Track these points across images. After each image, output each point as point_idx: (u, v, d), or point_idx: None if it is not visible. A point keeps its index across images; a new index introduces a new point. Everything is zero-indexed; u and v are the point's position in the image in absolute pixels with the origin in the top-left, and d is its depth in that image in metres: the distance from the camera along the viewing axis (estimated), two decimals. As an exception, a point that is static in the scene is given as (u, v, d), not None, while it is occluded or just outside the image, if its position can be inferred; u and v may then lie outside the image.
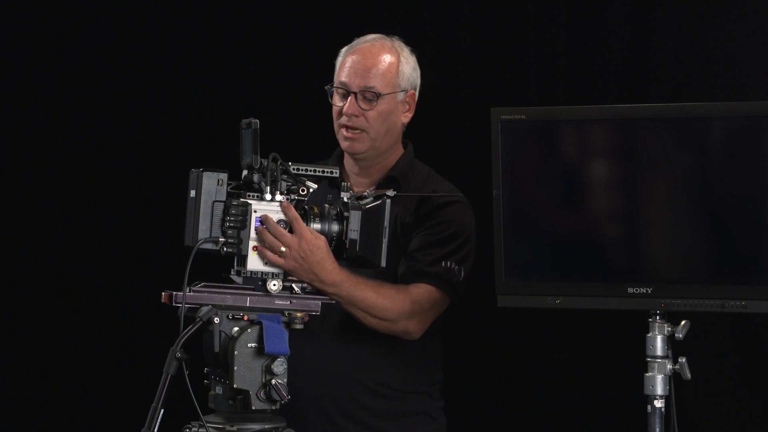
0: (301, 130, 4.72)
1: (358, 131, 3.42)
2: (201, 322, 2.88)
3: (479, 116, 3.39)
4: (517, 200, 3.15)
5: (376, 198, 3.11)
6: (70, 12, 4.89)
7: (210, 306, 2.91)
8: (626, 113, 3.13)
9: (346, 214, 3.06)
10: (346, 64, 3.45)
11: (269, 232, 2.99)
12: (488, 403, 4.55)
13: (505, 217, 3.14)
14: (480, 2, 4.54)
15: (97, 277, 4.86)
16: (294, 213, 3.01)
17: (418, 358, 3.45)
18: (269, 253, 3.00)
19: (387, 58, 3.45)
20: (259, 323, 2.93)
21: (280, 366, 2.91)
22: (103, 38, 4.89)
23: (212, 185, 2.92)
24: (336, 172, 3.10)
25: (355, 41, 3.50)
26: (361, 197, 3.10)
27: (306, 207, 3.05)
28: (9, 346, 4.89)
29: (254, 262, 2.97)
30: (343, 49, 3.50)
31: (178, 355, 2.82)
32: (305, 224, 3.03)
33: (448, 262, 3.37)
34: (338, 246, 3.07)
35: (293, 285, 3.05)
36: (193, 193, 2.93)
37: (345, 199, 3.08)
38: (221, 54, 4.84)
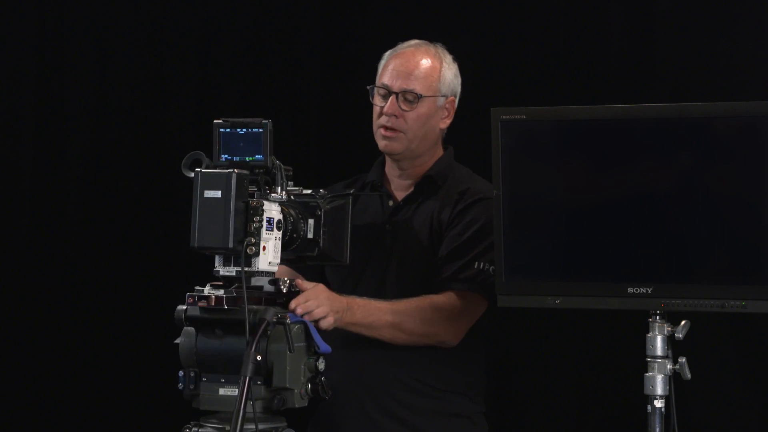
0: (300, 131, 4.72)
1: (395, 131, 3.46)
2: (267, 323, 2.88)
3: (479, 116, 3.39)
4: (517, 200, 3.15)
5: (336, 197, 3.16)
6: (70, 12, 4.89)
7: (274, 308, 2.92)
8: (626, 113, 3.13)
9: (318, 213, 3.09)
10: (389, 66, 3.50)
11: (312, 306, 3.04)
12: (488, 403, 4.54)
13: (505, 217, 3.14)
14: (480, 3, 4.54)
15: (96, 277, 4.86)
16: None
17: (456, 357, 3.45)
18: (328, 323, 3.08)
19: (429, 63, 3.50)
20: (303, 323, 2.96)
21: (322, 363, 2.96)
22: (103, 38, 4.88)
23: (241, 185, 2.91)
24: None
25: (399, 45, 3.56)
26: (322, 197, 3.13)
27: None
28: (8, 348, 4.88)
29: (264, 262, 2.97)
30: (387, 53, 3.56)
31: (258, 358, 2.83)
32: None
33: (481, 263, 3.38)
34: (304, 244, 3.09)
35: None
36: (218, 193, 2.89)
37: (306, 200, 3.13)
38: (222, 54, 4.83)
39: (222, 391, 2.96)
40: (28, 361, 4.88)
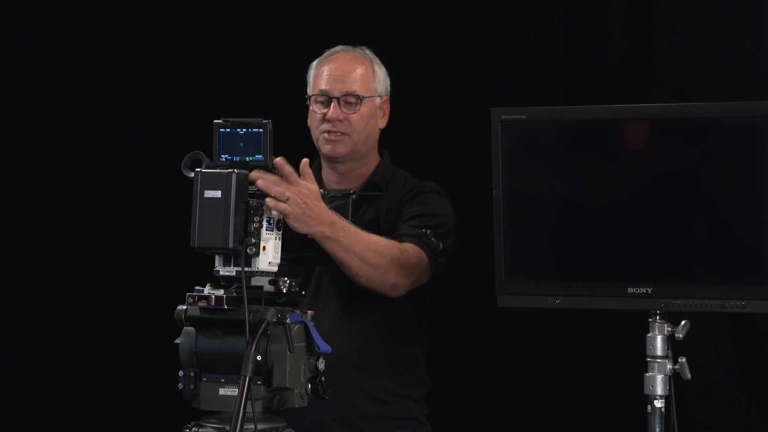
0: (300, 131, 4.71)
1: (340, 134, 3.50)
2: (267, 323, 2.87)
3: (479, 116, 3.40)
4: (517, 200, 3.15)
5: (336, 197, 3.18)
6: (70, 12, 4.89)
7: (274, 308, 2.91)
8: (626, 113, 3.14)
9: None
10: (323, 73, 3.53)
11: (271, 184, 2.97)
12: (488, 403, 4.55)
13: (505, 217, 3.14)
14: (480, 2, 4.54)
15: (96, 277, 4.86)
16: (289, 167, 3.00)
17: (409, 359, 3.51)
18: (275, 203, 2.97)
19: (362, 64, 3.55)
20: (303, 323, 2.95)
21: (322, 363, 2.95)
22: (103, 38, 4.89)
23: (241, 185, 2.91)
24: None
25: (326, 53, 3.59)
26: (322, 197, 3.13)
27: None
28: (9, 348, 4.89)
29: (264, 262, 2.97)
30: (314, 62, 3.60)
31: (258, 358, 2.83)
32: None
33: (427, 230, 3.42)
34: (303, 245, 3.09)
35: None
36: (218, 193, 2.89)
37: None
38: (222, 54, 4.83)
39: (222, 391, 2.95)
40: (29, 361, 4.88)
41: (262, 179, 2.94)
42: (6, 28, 4.91)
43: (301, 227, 3.04)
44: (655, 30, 4.33)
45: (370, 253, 3.27)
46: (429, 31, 4.57)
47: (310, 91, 3.57)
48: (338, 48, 3.59)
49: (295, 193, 3.00)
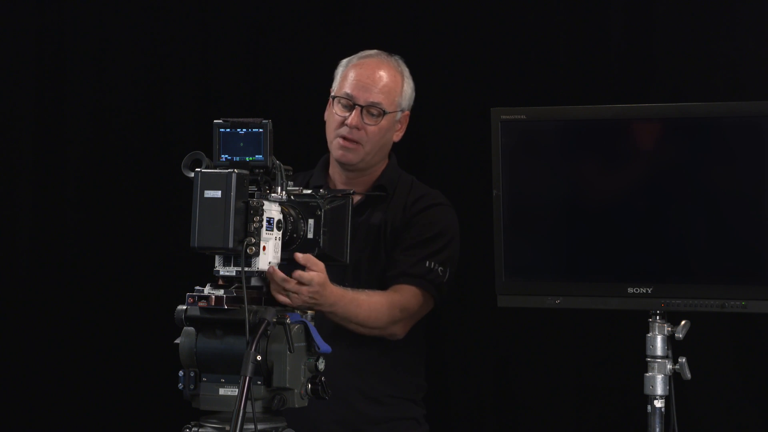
0: (300, 131, 4.72)
1: (354, 143, 3.47)
2: (267, 323, 2.88)
3: (479, 116, 3.40)
4: (517, 200, 3.15)
5: (336, 197, 3.17)
6: (70, 11, 4.89)
7: (274, 308, 2.91)
8: (626, 113, 3.14)
9: (318, 213, 3.10)
10: (351, 76, 3.50)
11: (277, 283, 3.00)
12: (488, 403, 4.54)
13: (505, 217, 3.14)
14: (480, 3, 4.54)
15: (96, 277, 4.86)
16: (298, 275, 3.05)
17: (408, 363, 3.53)
18: (281, 297, 3.02)
19: (393, 77, 3.51)
20: (303, 323, 2.95)
21: (322, 363, 2.96)
22: (103, 38, 4.88)
23: (240, 185, 2.91)
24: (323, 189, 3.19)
25: (359, 54, 3.55)
26: (322, 197, 3.13)
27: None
28: (9, 348, 4.89)
29: (264, 262, 2.97)
30: (345, 61, 3.56)
31: (258, 358, 2.83)
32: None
33: (431, 263, 3.44)
34: (304, 244, 3.09)
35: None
36: (218, 193, 2.89)
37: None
38: (222, 54, 4.83)
39: (222, 391, 2.95)
40: (29, 361, 4.88)
41: (282, 296, 3.00)
42: (6, 28, 4.91)
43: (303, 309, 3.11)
44: (655, 30, 4.33)
45: (371, 319, 3.35)
46: (429, 31, 4.57)
47: (335, 89, 3.54)
48: (373, 52, 3.55)
49: (307, 292, 3.07)
